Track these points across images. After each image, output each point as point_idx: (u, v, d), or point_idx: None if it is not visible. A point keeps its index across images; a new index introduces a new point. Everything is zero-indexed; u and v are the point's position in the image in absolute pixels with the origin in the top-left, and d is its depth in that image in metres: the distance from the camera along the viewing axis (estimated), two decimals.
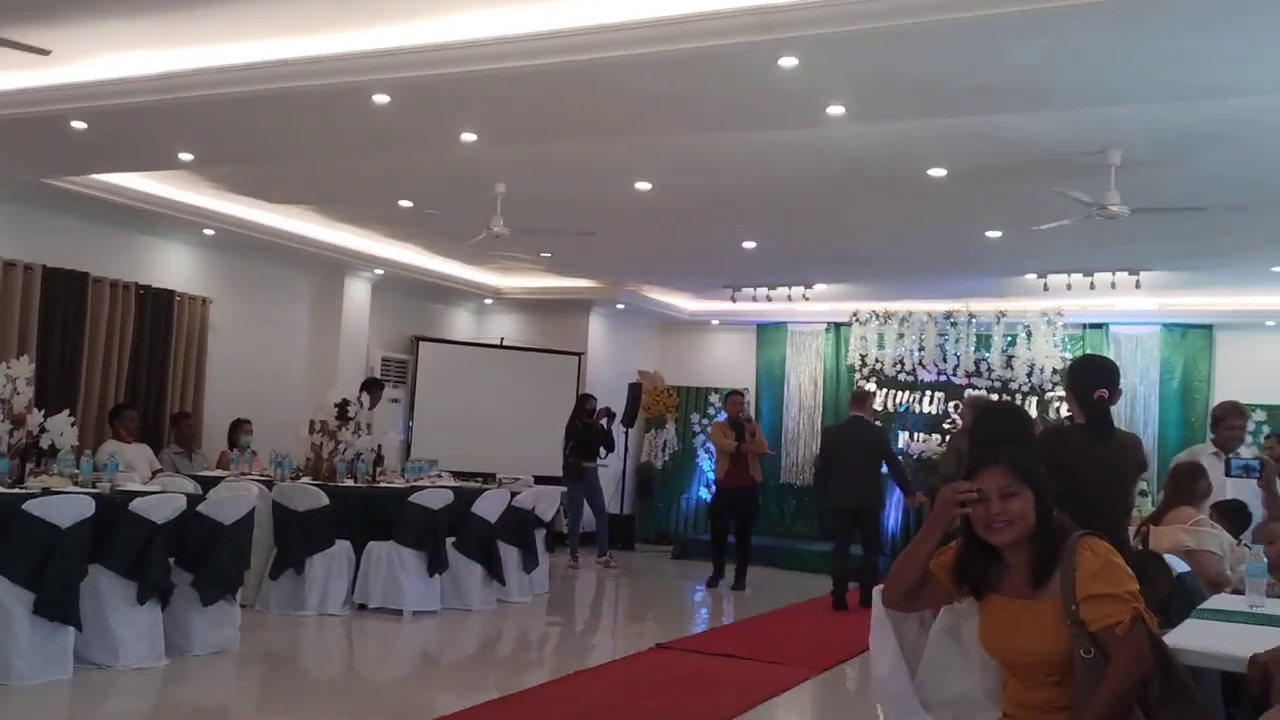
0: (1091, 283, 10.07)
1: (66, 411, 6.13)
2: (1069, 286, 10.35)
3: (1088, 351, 11.19)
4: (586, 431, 10.85)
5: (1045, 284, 10.34)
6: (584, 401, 11.10)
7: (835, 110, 5.44)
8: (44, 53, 5.42)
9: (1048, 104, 5.37)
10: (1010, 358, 11.87)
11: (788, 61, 4.80)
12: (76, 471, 5.87)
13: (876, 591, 3.32)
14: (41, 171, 7.79)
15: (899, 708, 3.13)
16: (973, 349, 12.14)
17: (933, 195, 7.48)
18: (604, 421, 11.05)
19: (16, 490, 5.41)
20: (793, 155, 6.76)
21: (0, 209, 8.32)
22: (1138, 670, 2.51)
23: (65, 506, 5.19)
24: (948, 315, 12.20)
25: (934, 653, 3.09)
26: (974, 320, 12.09)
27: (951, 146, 6.44)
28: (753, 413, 13.60)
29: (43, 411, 6.00)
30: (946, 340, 12.30)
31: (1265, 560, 3.64)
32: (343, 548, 7.34)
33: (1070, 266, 9.88)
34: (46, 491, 5.41)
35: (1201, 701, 2.57)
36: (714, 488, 10.41)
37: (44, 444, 5.90)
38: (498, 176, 7.55)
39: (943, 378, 12.39)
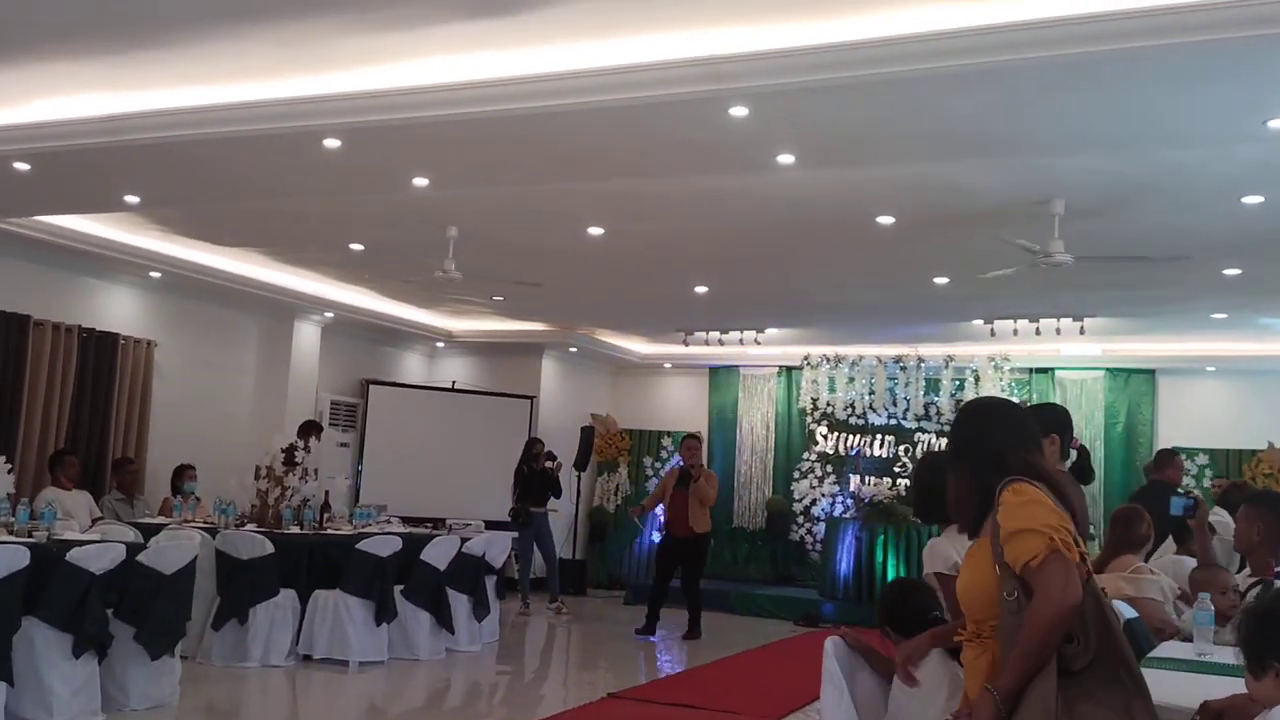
0: (1037, 328, 10.25)
1: (3, 458, 5.96)
2: (1015, 332, 10.52)
3: (1042, 399, 11.38)
4: (534, 477, 10.77)
5: (992, 329, 10.49)
6: (531, 446, 11.03)
7: (785, 158, 5.51)
8: None
9: (990, 153, 5.49)
10: (958, 401, 12.00)
11: (738, 111, 4.86)
12: (12, 520, 5.71)
13: (829, 642, 3.31)
14: None
15: None
16: (922, 393, 12.26)
17: (881, 242, 7.57)
18: (550, 465, 10.94)
19: None
20: (744, 201, 6.83)
21: None
22: (1050, 606, 2.32)
23: None
24: (897, 359, 12.32)
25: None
26: (923, 364, 12.22)
27: (899, 194, 6.54)
28: (706, 457, 13.62)
29: None
30: (896, 384, 12.42)
31: (1212, 609, 3.67)
32: (288, 596, 7.19)
33: (1016, 312, 10.05)
34: None
35: (1136, 674, 2.38)
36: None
37: None
38: (450, 220, 7.54)
39: (893, 421, 12.50)
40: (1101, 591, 2.49)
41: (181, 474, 9.08)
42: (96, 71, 5.40)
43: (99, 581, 5.43)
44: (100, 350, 9.23)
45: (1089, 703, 2.31)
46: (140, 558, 5.83)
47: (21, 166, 6.31)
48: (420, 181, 6.24)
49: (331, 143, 5.60)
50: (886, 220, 7.03)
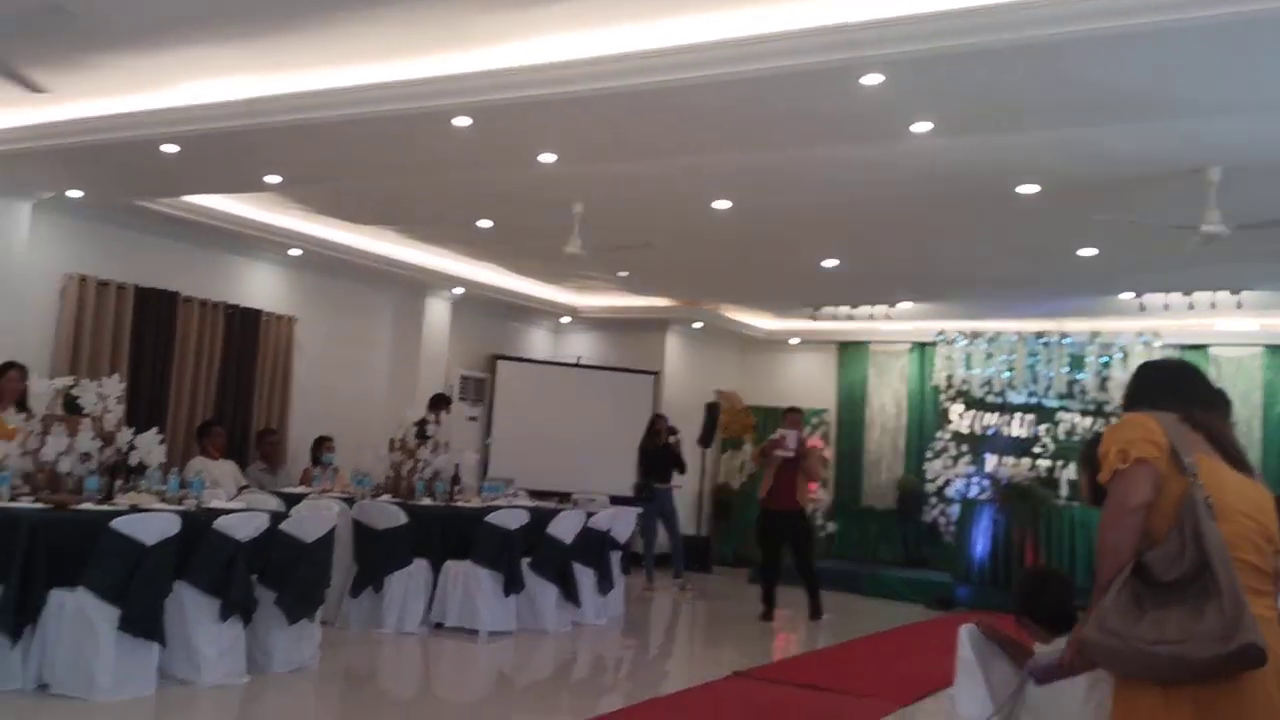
0: (1190, 302, 9.72)
1: (155, 429, 6.24)
2: (1166, 306, 10.00)
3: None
4: (657, 453, 10.75)
5: (1141, 303, 10.00)
6: (654, 422, 11.01)
7: (921, 126, 5.31)
8: (40, 90, 5.50)
9: (1142, 118, 5.19)
10: (1105, 380, 11.49)
11: (872, 79, 4.70)
12: (164, 489, 5.97)
13: (963, 630, 3.20)
14: (134, 194, 8.01)
15: None
16: (1065, 370, 11.78)
17: (1023, 211, 7.27)
18: (671, 439, 10.87)
19: (105, 507, 5.51)
20: (876, 172, 6.63)
21: (94, 230, 8.58)
22: (1114, 512, 2.43)
23: (151, 524, 5.26)
24: (1039, 335, 11.87)
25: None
26: (1066, 340, 11.74)
27: (1043, 162, 6.24)
28: (834, 434, 13.43)
29: (133, 429, 6.12)
30: (1038, 360, 11.96)
31: None
32: (420, 566, 7.37)
33: (1168, 286, 9.53)
34: (134, 509, 5.50)
35: (1225, 586, 2.26)
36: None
37: (132, 461, 6.01)
38: (576, 196, 7.55)
39: (1034, 399, 12.05)
40: (1205, 501, 2.38)
41: (321, 445, 9.41)
42: (238, 55, 5.57)
43: (244, 549, 5.63)
44: (244, 326, 9.60)
45: (1159, 607, 2.33)
46: (282, 526, 6.03)
47: (170, 149, 6.57)
48: (547, 158, 6.25)
49: (461, 121, 5.65)
50: (1029, 189, 6.73)
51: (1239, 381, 11.15)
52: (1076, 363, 11.77)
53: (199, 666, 5.45)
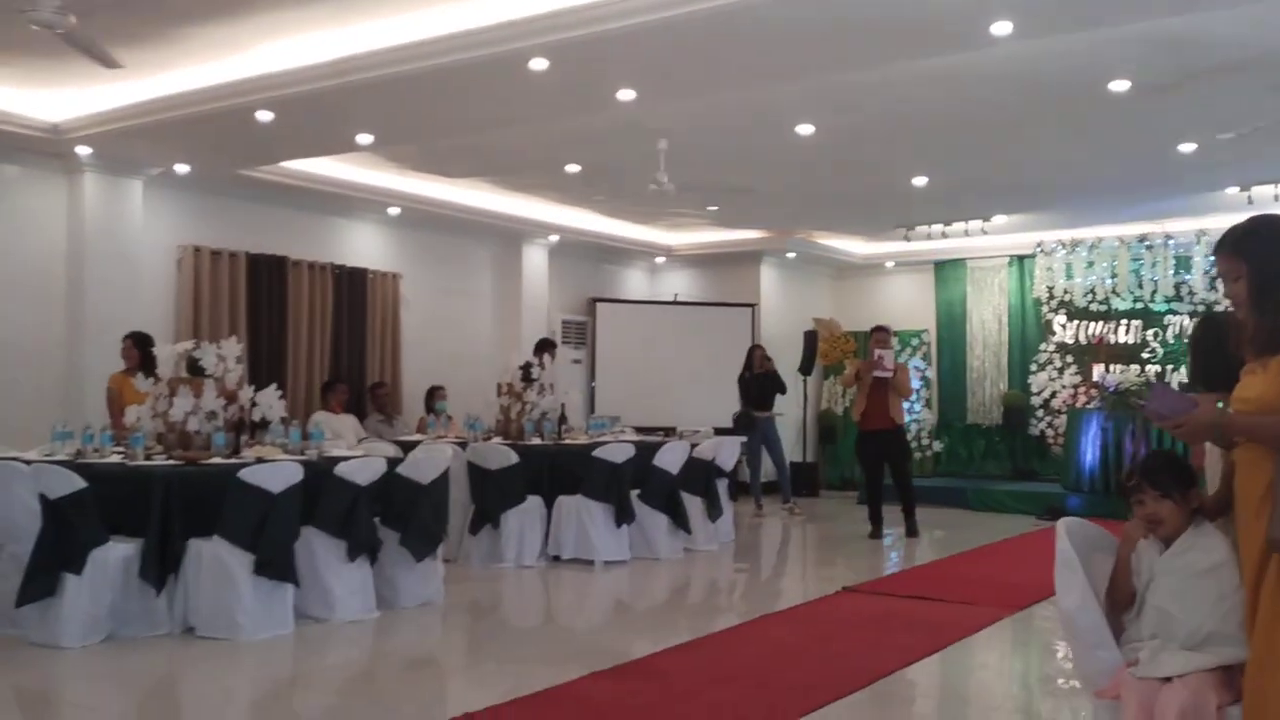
0: None
1: (274, 385, 6.57)
2: (1277, 198, 9.58)
3: None
4: (755, 382, 10.82)
5: (1249, 197, 9.61)
6: (752, 352, 11.08)
7: (1001, 28, 5.20)
8: (115, 66, 5.68)
9: None
10: (1214, 279, 11.10)
11: None
12: (286, 441, 6.30)
13: (1061, 524, 3.22)
14: (233, 163, 8.33)
15: (1087, 641, 3.03)
16: (1172, 272, 11.42)
17: (1115, 111, 7.06)
18: (768, 365, 10.88)
19: (233, 460, 5.85)
20: (959, 82, 6.52)
21: (204, 202, 8.98)
22: None
23: (277, 473, 5.57)
24: (1141, 239, 11.53)
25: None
26: (1171, 242, 11.37)
27: (1133, 56, 6.06)
28: (934, 354, 13.31)
29: (253, 387, 6.46)
30: (1142, 265, 11.62)
31: None
32: (534, 503, 7.63)
33: (1277, 176, 9.14)
34: (260, 460, 5.83)
35: None
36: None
37: (255, 417, 6.35)
38: (659, 133, 7.59)
39: (1139, 305, 11.73)
40: None
41: (433, 394, 9.78)
42: (315, 15, 5.73)
43: (365, 492, 5.92)
44: (352, 284, 9.96)
45: None
46: (400, 470, 6.31)
47: (264, 115, 6.82)
48: (626, 95, 6.30)
49: (538, 64, 5.73)
50: (1120, 86, 6.54)
51: None
52: (1182, 264, 11.41)
53: (332, 605, 5.78)
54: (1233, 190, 9.62)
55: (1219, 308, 11.04)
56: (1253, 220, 2.79)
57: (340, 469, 5.89)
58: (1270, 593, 2.54)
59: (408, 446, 7.32)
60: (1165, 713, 2.73)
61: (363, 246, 10.25)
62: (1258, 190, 9.48)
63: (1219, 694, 2.75)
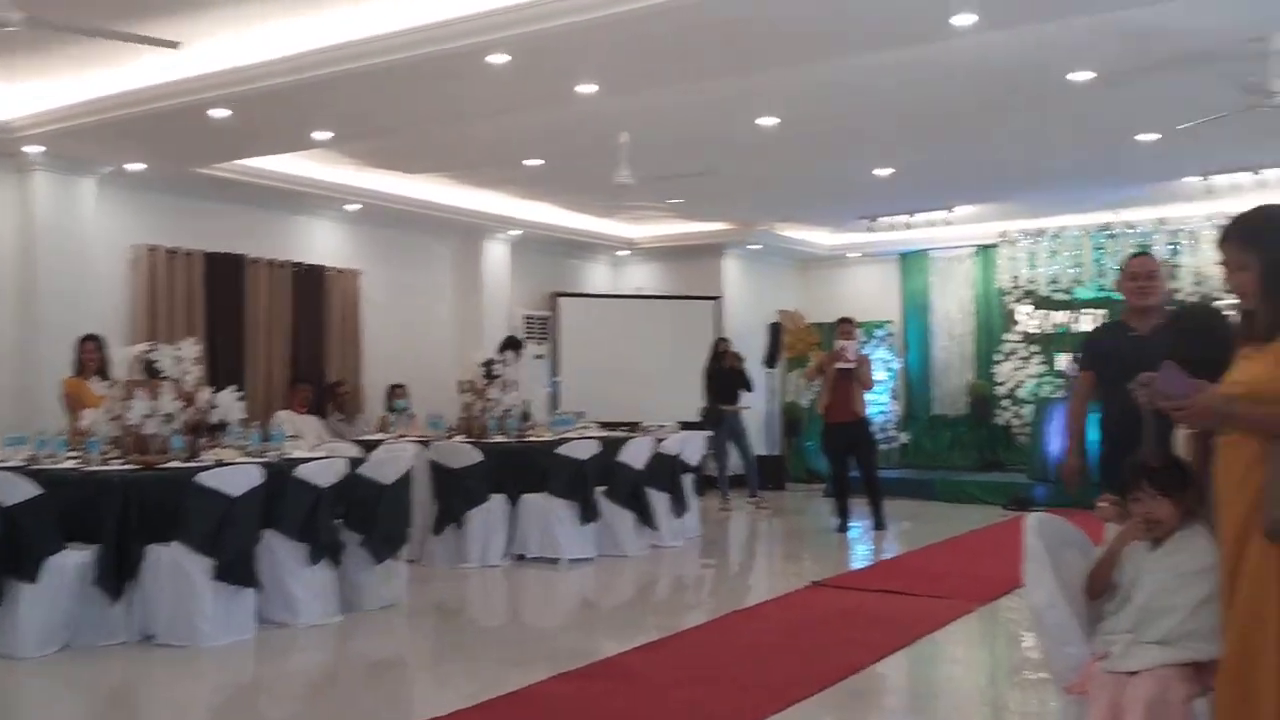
0: (1261, 180, 9.40)
1: (234, 387, 6.45)
2: (1235, 186, 9.68)
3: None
4: (722, 376, 10.79)
5: (1209, 186, 9.71)
6: (717, 345, 11.05)
7: (964, 20, 5.19)
8: (173, 45, 5.61)
9: None
10: (1175, 268, 11.21)
11: None
12: (246, 443, 6.18)
13: (1030, 520, 3.20)
14: (188, 161, 8.17)
15: (1056, 638, 3.03)
16: None
17: (1077, 101, 7.09)
18: (737, 364, 10.85)
19: (191, 464, 5.72)
20: (921, 74, 6.50)
21: (159, 200, 8.81)
22: None
23: (236, 476, 5.47)
24: (1103, 228, 11.61)
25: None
26: (1132, 231, 11.46)
27: (1094, 47, 6.07)
28: (900, 345, 13.34)
29: (212, 389, 6.33)
30: (1104, 254, 11.71)
31: None
32: (498, 501, 7.56)
33: (1235, 165, 9.24)
34: (219, 463, 5.71)
35: None
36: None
37: (214, 419, 6.23)
38: (621, 126, 7.53)
39: (1103, 293, 11.82)
40: None
41: (394, 393, 9.68)
42: (275, 8, 5.62)
43: (326, 494, 5.84)
44: (311, 282, 9.83)
45: None
46: (361, 470, 6.23)
47: (220, 113, 6.68)
48: (587, 89, 6.24)
49: (497, 58, 5.65)
50: (1082, 76, 6.55)
51: None
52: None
53: (294, 609, 5.69)
54: (1192, 179, 9.71)
55: (1179, 296, 11.15)
56: (1259, 211, 2.78)
57: (301, 471, 5.79)
58: (1251, 577, 2.54)
59: (369, 446, 7.22)
60: (1132, 706, 2.74)
61: (321, 244, 10.11)
62: (1217, 179, 9.58)
63: (1186, 686, 2.76)
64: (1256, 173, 9.34)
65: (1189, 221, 11.13)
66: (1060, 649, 3.06)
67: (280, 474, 5.76)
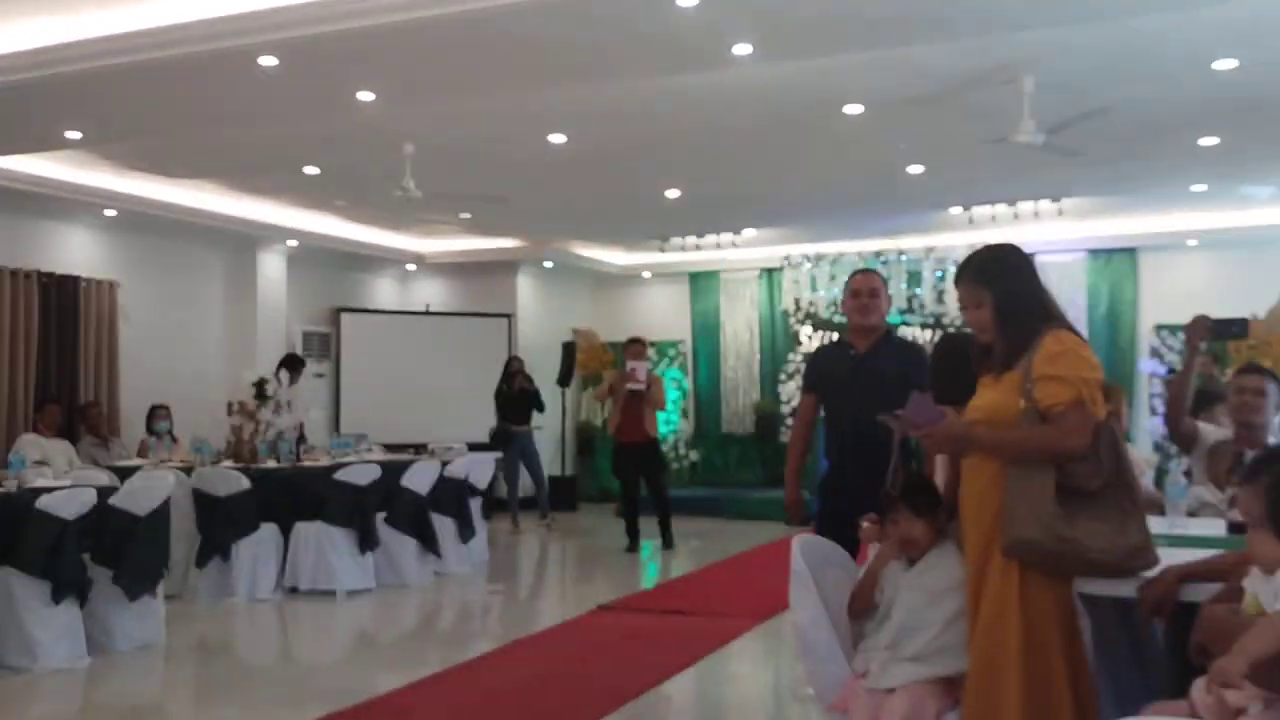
0: (1015, 213, 10.09)
1: None
2: (994, 218, 10.36)
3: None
4: (513, 396, 10.66)
5: (970, 217, 10.34)
6: (509, 365, 10.92)
7: (742, 49, 5.29)
8: None
9: (958, 32, 5.27)
10: (941, 293, 11.88)
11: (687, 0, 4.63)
12: None
13: (795, 542, 3.26)
14: None
15: (819, 655, 3.11)
16: (904, 286, 12.12)
17: (852, 132, 7.37)
18: (527, 385, 10.74)
19: None
20: (708, 99, 6.61)
21: None
22: (1053, 439, 2.61)
23: None
24: (878, 254, 12.16)
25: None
26: (904, 257, 12.07)
27: (866, 82, 6.32)
28: (691, 365, 13.56)
29: None
30: None
31: (1184, 481, 3.61)
32: (269, 531, 7.15)
33: (993, 197, 9.87)
34: None
35: (1138, 501, 2.65)
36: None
37: None
38: (405, 137, 7.31)
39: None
40: (1115, 428, 2.70)
41: (154, 415, 8.98)
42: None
43: (72, 527, 5.38)
44: (62, 294, 9.06)
45: (1089, 517, 2.57)
46: (113, 501, 5.76)
47: None
48: (365, 96, 6.01)
49: (268, 60, 5.36)
50: (855, 110, 6.82)
51: (1064, 287, 11.67)
52: (914, 279, 12.11)
53: (34, 653, 5.24)
54: (956, 210, 10.31)
55: (945, 320, 11.82)
56: (988, 251, 2.92)
57: (43, 502, 5.32)
58: (991, 598, 2.66)
59: (126, 472, 6.68)
60: None
61: (74, 252, 9.33)
62: (977, 210, 10.21)
63: (937, 702, 2.89)
64: (1012, 204, 10.01)
65: (954, 250, 11.81)
66: (823, 667, 3.13)
67: (19, 505, 5.26)
